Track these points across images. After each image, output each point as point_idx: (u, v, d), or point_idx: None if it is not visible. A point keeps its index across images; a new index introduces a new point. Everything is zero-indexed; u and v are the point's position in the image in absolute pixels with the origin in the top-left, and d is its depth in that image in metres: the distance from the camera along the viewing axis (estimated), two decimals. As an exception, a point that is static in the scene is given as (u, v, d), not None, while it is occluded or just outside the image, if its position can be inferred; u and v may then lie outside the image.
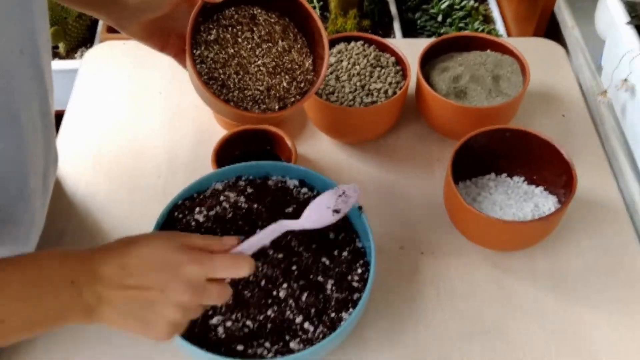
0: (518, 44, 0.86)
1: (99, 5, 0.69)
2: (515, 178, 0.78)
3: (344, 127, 0.83)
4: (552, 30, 1.11)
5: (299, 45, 0.71)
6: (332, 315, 0.63)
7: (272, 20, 0.71)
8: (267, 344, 0.62)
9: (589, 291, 0.72)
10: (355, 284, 0.65)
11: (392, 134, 0.88)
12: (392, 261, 0.75)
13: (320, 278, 0.65)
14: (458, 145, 0.74)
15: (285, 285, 0.64)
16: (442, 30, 1.34)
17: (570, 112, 0.91)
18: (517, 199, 0.75)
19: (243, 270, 0.55)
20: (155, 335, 0.54)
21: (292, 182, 0.74)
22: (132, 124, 0.91)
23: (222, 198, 0.71)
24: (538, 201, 0.74)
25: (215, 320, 0.62)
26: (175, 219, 0.70)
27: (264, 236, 0.60)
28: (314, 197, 0.73)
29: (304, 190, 0.73)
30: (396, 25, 1.34)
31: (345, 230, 0.71)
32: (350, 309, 0.64)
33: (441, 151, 0.86)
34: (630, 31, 0.81)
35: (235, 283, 0.65)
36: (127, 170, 0.84)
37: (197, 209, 0.71)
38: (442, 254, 0.76)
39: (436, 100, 0.81)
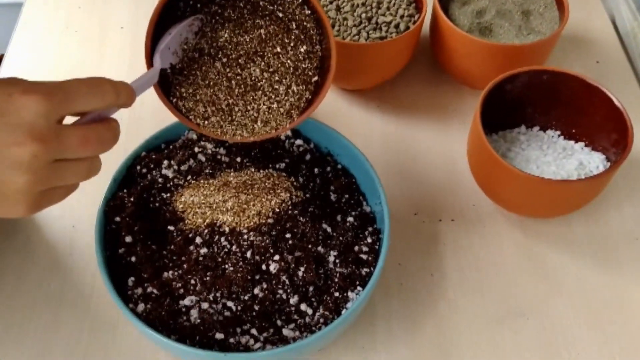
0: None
1: None
2: (550, 132, 0.67)
3: (346, 69, 0.70)
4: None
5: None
6: (336, 295, 0.52)
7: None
8: (254, 331, 0.50)
9: (638, 264, 0.61)
10: (363, 257, 0.54)
11: (401, 79, 0.76)
12: (405, 230, 0.63)
13: (320, 249, 0.53)
14: (489, 87, 0.62)
15: (276, 258, 0.52)
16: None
17: (606, 58, 0.80)
18: (556, 156, 0.63)
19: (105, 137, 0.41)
20: (6, 211, 0.40)
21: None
22: (88, 64, 0.77)
23: (196, 149, 0.59)
24: (581, 158, 0.62)
25: (187, 301, 0.50)
26: (138, 174, 0.57)
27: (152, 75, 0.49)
28: (310, 150, 0.61)
29: (298, 142, 0.61)
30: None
31: (349, 191, 0.59)
32: (358, 288, 0.52)
33: (459, 101, 0.75)
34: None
35: (213, 253, 0.52)
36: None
37: (165, 163, 0.58)
38: (464, 221, 0.64)
39: (456, 36, 0.68)
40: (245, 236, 0.53)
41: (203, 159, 0.58)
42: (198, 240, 0.53)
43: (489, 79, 0.64)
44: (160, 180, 0.57)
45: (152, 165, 0.57)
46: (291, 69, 0.52)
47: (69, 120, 0.41)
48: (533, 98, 0.66)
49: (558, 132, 0.67)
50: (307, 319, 0.51)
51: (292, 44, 0.52)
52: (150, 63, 0.50)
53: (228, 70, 0.52)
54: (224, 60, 0.52)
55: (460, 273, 0.61)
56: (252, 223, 0.53)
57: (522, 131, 0.67)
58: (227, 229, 0.53)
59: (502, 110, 0.65)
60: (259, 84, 0.52)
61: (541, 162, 0.63)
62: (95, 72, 0.77)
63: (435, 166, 0.69)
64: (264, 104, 0.52)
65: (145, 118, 0.70)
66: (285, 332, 0.50)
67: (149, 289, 0.51)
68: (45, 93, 0.38)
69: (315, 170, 0.59)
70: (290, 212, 0.54)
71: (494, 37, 0.70)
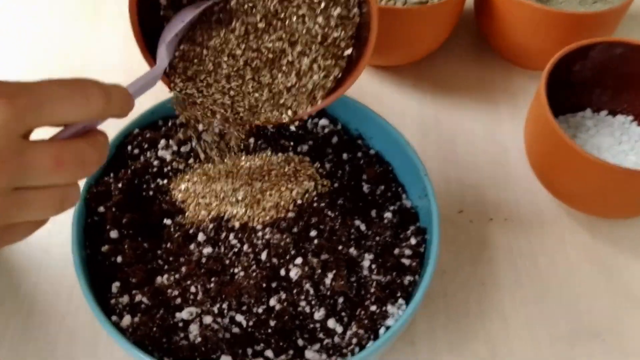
0: None
1: None
2: (620, 117, 0.57)
3: (378, 40, 0.60)
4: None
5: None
6: (372, 309, 0.41)
7: None
8: (269, 353, 0.40)
9: None
10: (405, 262, 0.44)
11: (440, 55, 0.65)
12: (448, 231, 0.53)
13: (352, 251, 0.43)
14: (554, 61, 0.51)
15: (298, 261, 0.42)
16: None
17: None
18: (633, 144, 0.53)
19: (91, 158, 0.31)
20: None
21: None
22: (74, 37, 0.67)
23: (201, 127, 0.48)
24: (664, 147, 0.52)
25: (185, 313, 0.40)
26: (128, 155, 0.47)
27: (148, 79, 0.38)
28: (337, 132, 0.51)
29: (323, 122, 0.51)
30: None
31: (385, 181, 0.48)
32: (400, 300, 0.42)
33: (507, 81, 0.64)
34: None
35: (219, 254, 0.42)
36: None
37: (162, 142, 0.48)
38: (520, 221, 0.54)
39: (509, 2, 0.58)
40: (260, 233, 0.43)
41: (209, 139, 0.48)
42: (201, 237, 0.43)
43: (545, 56, 0.53)
44: (155, 163, 0.46)
45: (146, 145, 0.47)
46: (319, 37, 0.42)
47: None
48: (602, 76, 0.55)
49: (631, 117, 0.57)
50: (337, 339, 0.41)
51: (322, 5, 0.41)
52: (150, 57, 0.40)
53: (241, 41, 0.41)
54: (236, 30, 0.41)
55: (516, 283, 0.50)
56: (268, 217, 0.43)
57: (588, 115, 0.57)
58: (237, 224, 0.43)
59: (565, 90, 0.55)
60: (276, 56, 0.42)
61: (616, 151, 0.52)
62: (83, 51, 0.67)
63: (482, 155, 0.59)
64: (281, 83, 0.42)
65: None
66: (308, 354, 0.40)
67: (138, 298, 0.41)
68: (6, 96, 0.27)
69: (344, 155, 0.49)
70: (315, 204, 0.44)
71: (552, 6, 0.60)
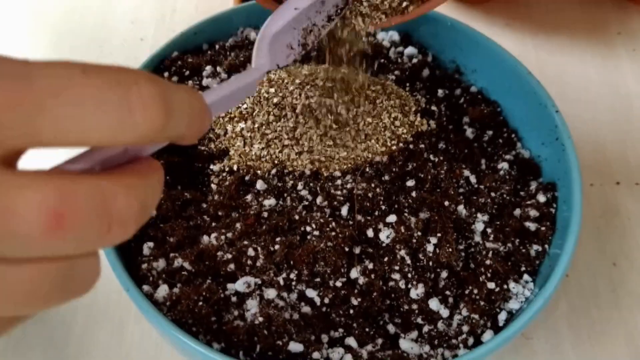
0: None
1: None
2: None
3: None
4: None
5: None
6: (490, 286, 0.31)
7: None
8: (351, 341, 0.30)
9: None
10: (530, 225, 0.33)
11: (539, -11, 0.54)
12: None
13: (461, 209, 0.33)
14: None
15: (391, 219, 0.31)
16: None
17: None
18: None
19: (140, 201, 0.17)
20: None
21: (387, 36, 0.41)
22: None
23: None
24: None
25: (240, 284, 0.30)
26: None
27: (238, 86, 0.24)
28: (428, 64, 0.40)
29: (410, 50, 0.40)
30: None
31: (494, 125, 0.38)
32: (525, 276, 0.32)
33: (624, 21, 0.53)
34: None
35: (285, 208, 0.32)
36: (89, 29, 0.51)
37: (208, 69, 0.38)
38: (656, 186, 0.43)
39: None
40: (339, 181, 0.32)
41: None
42: (260, 185, 0.33)
43: None
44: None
45: (187, 73, 0.37)
46: None
47: None
48: None
49: None
50: (441, 326, 0.30)
51: None
52: None
53: None
54: None
55: (660, 263, 0.39)
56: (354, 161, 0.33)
57: None
58: (308, 169, 0.33)
59: None
60: None
61: None
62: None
63: (599, 108, 0.47)
64: None
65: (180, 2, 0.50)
66: (403, 345, 0.30)
67: (178, 262, 0.31)
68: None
69: (439, 92, 0.39)
70: (412, 146, 0.34)
71: None
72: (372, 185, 0.32)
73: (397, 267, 0.31)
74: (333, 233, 0.31)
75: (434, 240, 0.31)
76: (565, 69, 0.50)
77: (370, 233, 0.31)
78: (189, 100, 0.18)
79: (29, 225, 0.15)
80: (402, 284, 0.31)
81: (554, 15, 0.54)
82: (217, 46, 0.39)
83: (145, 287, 0.30)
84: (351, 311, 0.30)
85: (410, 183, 0.33)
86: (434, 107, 0.37)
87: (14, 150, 0.15)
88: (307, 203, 0.32)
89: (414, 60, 0.40)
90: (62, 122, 0.15)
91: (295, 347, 0.29)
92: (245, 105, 0.35)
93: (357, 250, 0.31)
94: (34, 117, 0.15)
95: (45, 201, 0.15)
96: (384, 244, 0.31)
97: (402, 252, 0.31)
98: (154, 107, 0.16)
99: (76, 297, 0.18)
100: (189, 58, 0.38)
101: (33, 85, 0.15)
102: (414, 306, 0.31)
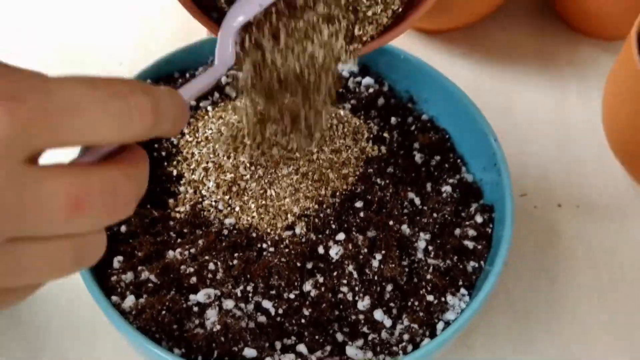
0: None
1: None
2: None
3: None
4: None
5: None
6: (429, 299, 0.35)
7: None
8: (302, 348, 0.33)
9: None
10: (468, 244, 0.37)
11: (495, 20, 0.59)
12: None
13: (405, 228, 0.36)
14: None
15: (340, 237, 0.35)
16: None
17: None
18: None
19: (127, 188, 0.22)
20: None
21: (347, 67, 0.45)
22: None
23: (224, 80, 0.42)
24: None
25: (202, 295, 0.33)
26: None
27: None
28: (384, 93, 0.44)
29: (367, 81, 0.44)
30: None
31: (441, 151, 0.42)
32: (462, 290, 0.35)
33: (573, 51, 0.57)
34: None
35: (243, 225, 0.36)
36: (70, 51, 0.55)
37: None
38: (594, 208, 0.47)
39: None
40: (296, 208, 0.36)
41: (233, 94, 0.42)
42: (221, 206, 0.36)
43: (622, 23, 0.47)
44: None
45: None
46: None
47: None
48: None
49: None
50: (384, 334, 0.34)
51: None
52: (210, 23, 0.33)
53: None
54: None
55: (593, 279, 0.43)
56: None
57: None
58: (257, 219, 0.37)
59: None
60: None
61: None
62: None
63: (546, 134, 0.52)
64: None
65: (158, 30, 0.53)
66: (350, 351, 0.33)
67: (144, 275, 0.34)
68: (7, 98, 0.19)
69: (392, 119, 0.43)
70: (362, 170, 0.37)
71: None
72: (323, 206, 0.36)
73: (345, 281, 0.34)
74: (287, 250, 0.34)
75: (379, 256, 0.35)
76: (518, 98, 0.54)
77: (321, 250, 0.35)
78: (172, 104, 0.23)
79: (54, 210, 0.19)
80: (349, 296, 0.34)
81: (508, 45, 0.58)
82: (187, 75, 0.43)
83: (114, 298, 0.33)
84: (303, 320, 0.34)
85: (359, 204, 0.36)
86: (386, 134, 0.41)
87: (36, 152, 0.20)
88: (264, 221, 0.36)
89: (370, 90, 0.44)
90: (78, 128, 0.20)
91: (250, 352, 0.32)
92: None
93: (309, 266, 0.35)
94: (56, 126, 0.19)
95: (67, 190, 0.20)
96: (333, 260, 0.35)
97: (350, 267, 0.35)
98: (147, 113, 0.21)
99: (87, 266, 0.24)
100: (162, 85, 0.41)
101: (54, 99, 0.19)
102: (361, 316, 0.34)
